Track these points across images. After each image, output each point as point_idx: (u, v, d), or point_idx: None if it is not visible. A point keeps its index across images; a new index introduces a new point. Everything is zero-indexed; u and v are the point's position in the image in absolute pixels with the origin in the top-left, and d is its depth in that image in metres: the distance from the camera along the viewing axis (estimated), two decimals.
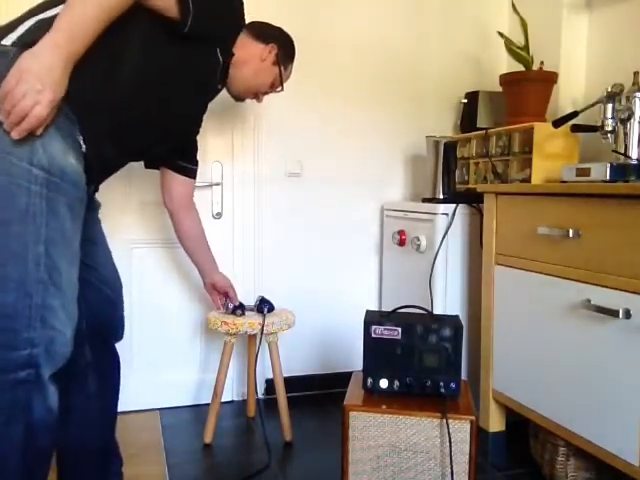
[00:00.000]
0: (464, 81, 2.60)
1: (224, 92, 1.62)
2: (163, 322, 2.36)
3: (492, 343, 1.91)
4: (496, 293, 1.89)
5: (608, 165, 1.58)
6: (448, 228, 2.12)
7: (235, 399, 2.47)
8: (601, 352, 1.50)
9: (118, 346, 1.54)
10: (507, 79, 2.13)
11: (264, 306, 2.07)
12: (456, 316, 1.60)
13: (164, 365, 2.37)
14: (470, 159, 2.26)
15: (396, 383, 1.51)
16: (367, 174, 2.57)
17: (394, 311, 1.59)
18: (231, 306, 2.07)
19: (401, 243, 2.35)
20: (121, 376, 1.54)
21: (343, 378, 2.51)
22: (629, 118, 1.73)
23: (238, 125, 2.38)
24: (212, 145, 2.36)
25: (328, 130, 2.50)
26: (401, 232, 2.35)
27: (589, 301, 1.51)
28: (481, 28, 2.63)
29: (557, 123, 1.81)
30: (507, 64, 2.52)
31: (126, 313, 1.54)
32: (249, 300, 2.23)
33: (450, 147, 2.29)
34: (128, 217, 2.30)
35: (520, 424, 1.96)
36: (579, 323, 1.56)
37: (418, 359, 1.49)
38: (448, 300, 2.16)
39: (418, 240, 2.21)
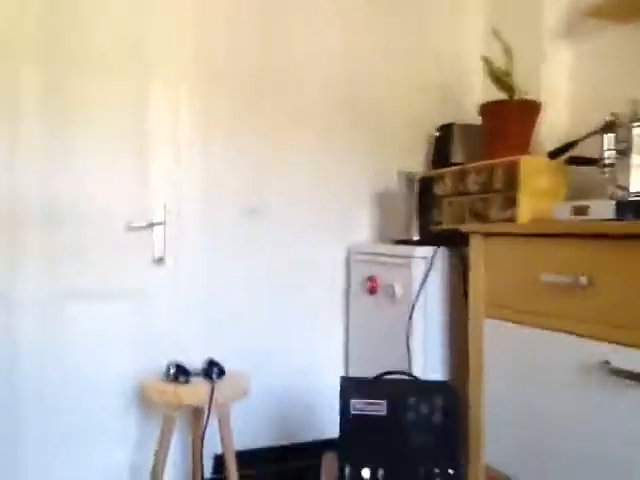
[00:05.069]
0: (431, 113, 2.49)
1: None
2: (80, 393, 2.01)
3: (483, 412, 1.72)
4: (487, 352, 1.73)
5: (613, 202, 1.46)
6: (427, 274, 1.94)
7: None
8: (622, 426, 1.31)
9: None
10: (489, 109, 2.00)
11: (213, 370, 1.85)
12: (445, 382, 1.38)
13: (87, 447, 2.03)
14: (444, 197, 2.12)
15: (380, 472, 1.26)
16: (330, 212, 2.41)
17: (377, 378, 1.36)
18: (172, 370, 1.77)
19: (372, 291, 2.18)
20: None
21: (307, 448, 2.36)
22: (627, 150, 1.61)
23: (185, 155, 2.17)
24: (154, 178, 2.14)
25: (287, 165, 2.34)
26: (372, 279, 2.18)
27: (607, 362, 1.33)
28: (451, 56, 2.56)
29: (553, 154, 1.70)
30: (481, 94, 2.40)
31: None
32: (195, 362, 1.97)
33: (426, 183, 2.15)
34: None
35: None
36: (594, 390, 1.38)
37: (408, 440, 1.26)
38: (428, 359, 1.96)
39: (392, 288, 2.03)
